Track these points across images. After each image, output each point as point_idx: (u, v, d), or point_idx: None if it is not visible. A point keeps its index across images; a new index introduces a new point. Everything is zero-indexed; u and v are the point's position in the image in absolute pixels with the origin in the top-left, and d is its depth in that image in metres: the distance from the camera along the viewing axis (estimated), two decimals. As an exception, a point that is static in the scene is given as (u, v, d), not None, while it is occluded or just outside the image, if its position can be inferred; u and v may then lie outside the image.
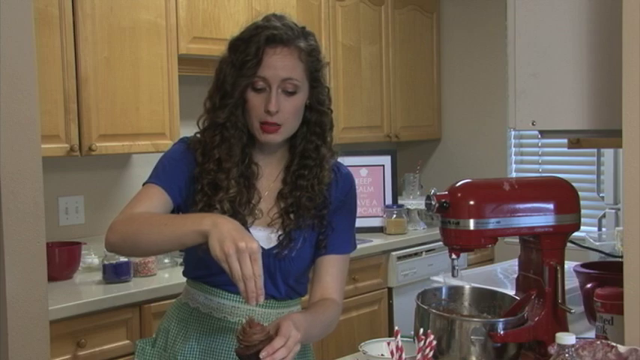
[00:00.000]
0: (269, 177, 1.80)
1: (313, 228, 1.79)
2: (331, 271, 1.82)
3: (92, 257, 3.05)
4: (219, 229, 1.46)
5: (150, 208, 1.67)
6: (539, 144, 4.43)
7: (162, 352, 1.82)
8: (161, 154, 1.83)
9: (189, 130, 1.84)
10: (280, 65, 1.68)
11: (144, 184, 1.75)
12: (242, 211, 1.72)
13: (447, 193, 1.72)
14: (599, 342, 1.46)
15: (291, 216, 1.77)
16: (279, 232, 1.77)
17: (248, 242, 1.44)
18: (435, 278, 2.38)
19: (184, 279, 1.89)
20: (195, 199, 1.72)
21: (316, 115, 1.78)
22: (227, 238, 1.44)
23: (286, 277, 1.79)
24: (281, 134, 1.72)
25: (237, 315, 1.76)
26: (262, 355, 1.43)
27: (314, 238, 1.80)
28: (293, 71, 1.69)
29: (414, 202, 4.19)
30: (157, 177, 1.74)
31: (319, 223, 1.79)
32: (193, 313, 1.80)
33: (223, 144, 1.72)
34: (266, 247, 1.74)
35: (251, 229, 1.73)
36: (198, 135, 1.78)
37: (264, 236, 1.75)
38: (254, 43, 1.67)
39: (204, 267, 1.74)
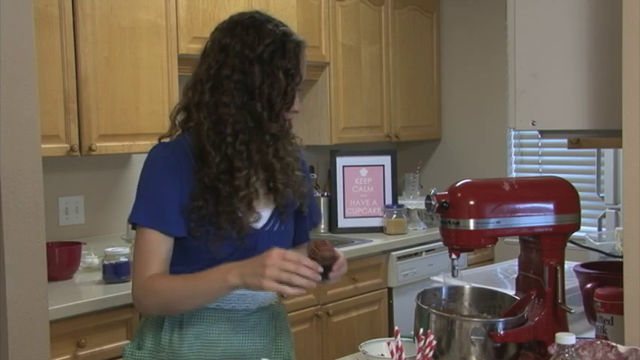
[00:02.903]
0: None
1: (293, 194, 1.86)
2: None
3: (92, 257, 3.05)
4: (246, 278, 1.62)
5: (160, 266, 1.74)
6: (539, 144, 4.43)
7: (155, 353, 1.81)
8: None
9: (189, 131, 1.84)
10: (305, 69, 1.81)
11: (138, 225, 1.77)
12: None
13: (447, 193, 1.72)
14: (599, 342, 1.46)
15: (274, 187, 1.84)
16: (270, 208, 1.84)
17: (269, 260, 1.58)
18: (435, 278, 2.38)
19: None
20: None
21: None
22: (258, 274, 1.59)
23: None
24: None
25: (230, 302, 1.79)
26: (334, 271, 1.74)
27: (295, 205, 1.89)
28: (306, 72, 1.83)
29: (414, 202, 4.19)
30: (153, 219, 1.75)
31: (298, 189, 1.87)
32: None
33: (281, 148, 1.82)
34: (258, 227, 1.81)
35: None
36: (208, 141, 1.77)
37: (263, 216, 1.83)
38: (290, 52, 1.76)
39: (195, 262, 1.76)
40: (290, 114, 1.80)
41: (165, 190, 1.74)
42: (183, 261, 1.77)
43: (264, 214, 1.83)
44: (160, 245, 1.75)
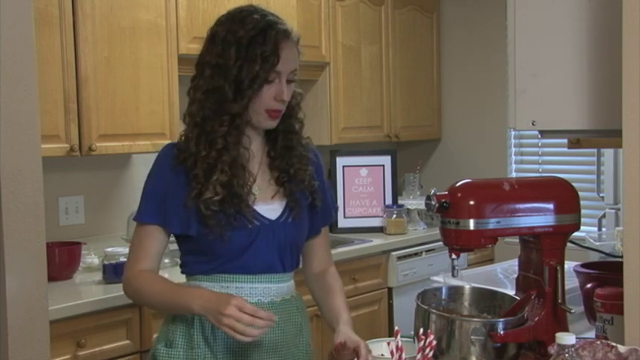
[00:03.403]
0: (257, 156, 1.88)
1: (304, 189, 1.90)
2: (322, 242, 2.01)
3: (92, 257, 3.05)
4: (207, 314, 1.69)
5: (150, 263, 1.84)
6: (539, 144, 4.43)
7: (189, 351, 1.83)
8: None
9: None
10: (291, 59, 1.80)
11: (141, 221, 1.83)
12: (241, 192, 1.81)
13: (447, 193, 1.72)
14: (599, 342, 1.46)
15: (287, 180, 1.87)
16: (283, 201, 1.87)
17: (227, 310, 1.63)
18: (435, 278, 2.38)
19: (184, 278, 1.91)
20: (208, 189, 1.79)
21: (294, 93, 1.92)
22: (217, 319, 1.65)
23: (293, 246, 1.89)
24: (279, 118, 1.84)
25: (256, 295, 1.83)
26: None
27: (307, 200, 1.91)
28: (297, 62, 1.83)
29: (414, 202, 4.19)
30: (156, 216, 1.82)
31: (309, 184, 1.90)
32: None
33: (234, 132, 1.79)
34: (273, 218, 1.84)
35: (255, 207, 1.82)
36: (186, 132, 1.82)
37: (269, 209, 1.84)
38: (270, 38, 1.76)
39: (217, 257, 1.81)
40: (276, 103, 1.79)
41: (170, 188, 1.80)
42: (206, 256, 1.83)
43: (277, 206, 1.86)
44: (153, 242, 1.84)
